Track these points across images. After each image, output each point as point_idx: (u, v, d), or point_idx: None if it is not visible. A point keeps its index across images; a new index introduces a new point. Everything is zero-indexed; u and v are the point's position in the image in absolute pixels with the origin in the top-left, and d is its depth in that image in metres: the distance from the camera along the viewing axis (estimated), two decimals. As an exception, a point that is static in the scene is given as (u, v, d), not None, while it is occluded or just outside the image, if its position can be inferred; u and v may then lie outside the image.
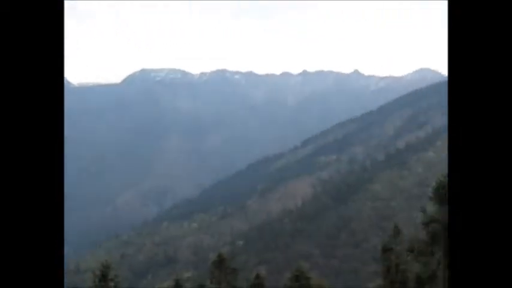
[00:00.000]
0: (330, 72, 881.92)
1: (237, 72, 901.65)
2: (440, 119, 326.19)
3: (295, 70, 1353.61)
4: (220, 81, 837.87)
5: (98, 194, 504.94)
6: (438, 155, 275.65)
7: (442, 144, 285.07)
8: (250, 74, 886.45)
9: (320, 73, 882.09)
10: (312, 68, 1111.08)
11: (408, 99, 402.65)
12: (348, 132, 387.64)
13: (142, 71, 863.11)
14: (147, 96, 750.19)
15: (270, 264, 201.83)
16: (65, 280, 16.52)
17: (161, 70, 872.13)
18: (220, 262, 60.77)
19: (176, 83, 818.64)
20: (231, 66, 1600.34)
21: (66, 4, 14.66)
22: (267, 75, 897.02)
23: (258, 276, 66.89)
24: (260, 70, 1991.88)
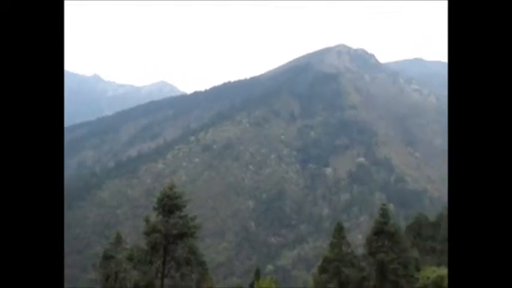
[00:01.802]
0: (68, 73, 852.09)
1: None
2: (173, 132, 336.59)
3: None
4: None
5: None
6: (167, 167, 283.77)
7: (172, 157, 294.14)
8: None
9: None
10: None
11: (144, 109, 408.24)
12: (80, 136, 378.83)
13: None
14: None
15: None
16: None
17: None
18: None
19: None
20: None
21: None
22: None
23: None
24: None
